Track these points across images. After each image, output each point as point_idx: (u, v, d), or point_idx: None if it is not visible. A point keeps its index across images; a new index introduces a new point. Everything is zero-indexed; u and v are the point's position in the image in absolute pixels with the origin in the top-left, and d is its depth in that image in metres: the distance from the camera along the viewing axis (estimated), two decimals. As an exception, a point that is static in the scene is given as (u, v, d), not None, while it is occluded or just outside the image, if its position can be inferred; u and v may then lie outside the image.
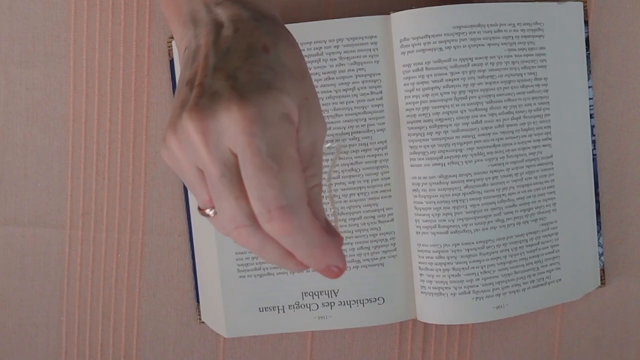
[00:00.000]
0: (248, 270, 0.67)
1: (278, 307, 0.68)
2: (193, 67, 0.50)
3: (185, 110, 0.47)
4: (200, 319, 0.69)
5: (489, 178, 0.64)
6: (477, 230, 0.65)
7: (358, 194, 0.66)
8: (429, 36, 0.63)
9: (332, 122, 0.65)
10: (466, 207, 0.64)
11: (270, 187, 0.46)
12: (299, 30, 0.59)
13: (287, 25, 0.54)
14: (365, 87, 0.65)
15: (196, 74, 0.49)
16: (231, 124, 0.46)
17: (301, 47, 0.57)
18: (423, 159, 0.64)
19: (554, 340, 0.70)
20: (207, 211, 0.50)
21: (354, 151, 0.66)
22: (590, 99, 0.67)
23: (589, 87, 0.67)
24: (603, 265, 0.69)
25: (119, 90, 0.68)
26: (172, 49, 0.67)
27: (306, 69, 0.52)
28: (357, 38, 0.65)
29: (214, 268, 0.67)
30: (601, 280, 0.69)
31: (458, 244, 0.65)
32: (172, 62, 0.67)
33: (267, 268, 0.67)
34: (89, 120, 0.68)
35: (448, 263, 0.65)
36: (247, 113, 0.46)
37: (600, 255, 0.68)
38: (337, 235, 0.49)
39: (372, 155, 0.66)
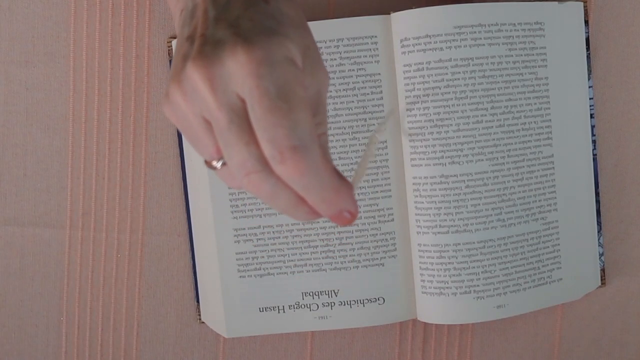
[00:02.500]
0: (248, 270, 0.67)
1: (278, 307, 0.68)
2: (192, 23, 0.50)
3: (189, 59, 0.47)
4: (200, 319, 0.69)
5: (490, 178, 0.64)
6: (478, 230, 0.65)
7: (358, 194, 0.66)
8: (430, 36, 0.63)
9: (333, 122, 0.65)
10: (467, 206, 0.64)
11: (281, 127, 0.45)
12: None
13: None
14: (365, 87, 0.65)
15: (196, 28, 0.49)
16: (238, 68, 0.46)
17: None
18: (424, 158, 0.64)
19: (554, 340, 0.70)
20: (214, 163, 0.49)
21: (354, 151, 0.66)
22: (590, 98, 0.67)
23: (589, 87, 0.67)
24: (603, 265, 0.69)
25: (118, 90, 0.68)
26: (172, 49, 0.67)
27: (305, 20, 0.51)
28: (357, 38, 0.65)
29: (214, 268, 0.67)
30: (601, 280, 0.69)
31: (459, 244, 0.65)
32: (171, 62, 0.67)
33: (267, 268, 0.67)
34: (88, 120, 0.68)
35: (449, 263, 0.65)
36: (253, 56, 0.46)
37: (601, 255, 0.68)
38: (347, 181, 0.48)
39: (372, 155, 0.66)
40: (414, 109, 0.63)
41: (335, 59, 0.65)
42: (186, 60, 0.47)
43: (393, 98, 0.65)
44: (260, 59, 0.46)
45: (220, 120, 0.47)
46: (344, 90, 0.65)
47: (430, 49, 0.63)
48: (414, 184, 0.65)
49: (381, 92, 0.65)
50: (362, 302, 0.67)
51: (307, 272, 0.67)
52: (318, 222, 0.66)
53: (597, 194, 0.68)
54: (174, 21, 0.55)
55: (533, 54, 0.65)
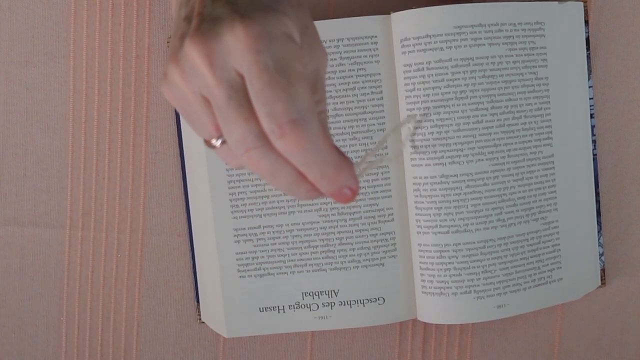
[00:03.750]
0: (248, 270, 0.67)
1: (278, 307, 0.68)
2: (189, 4, 0.49)
3: (187, 37, 0.47)
4: (200, 319, 0.69)
5: (490, 178, 0.64)
6: (478, 229, 0.65)
7: (358, 194, 0.66)
8: (430, 36, 0.63)
9: (333, 122, 0.65)
10: (467, 206, 0.64)
11: (280, 101, 0.45)
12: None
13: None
14: (365, 87, 0.65)
15: (193, 8, 0.49)
16: (236, 43, 0.46)
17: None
18: (424, 158, 0.64)
19: (554, 340, 0.70)
20: (213, 142, 0.49)
21: (354, 151, 0.66)
22: (590, 98, 0.67)
23: (589, 87, 0.67)
24: (603, 265, 0.69)
25: (119, 90, 0.68)
26: (172, 49, 0.67)
27: (304, 1, 0.51)
28: (358, 38, 0.65)
29: (214, 268, 0.67)
30: (601, 280, 0.69)
31: (459, 244, 0.65)
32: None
33: (267, 268, 0.67)
34: (88, 120, 0.68)
35: (449, 263, 0.65)
36: (251, 31, 0.46)
37: (601, 255, 0.68)
38: (347, 157, 0.48)
39: (372, 155, 0.66)
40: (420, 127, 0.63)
41: (335, 59, 0.65)
42: (184, 39, 0.47)
43: (393, 98, 0.65)
44: (258, 34, 0.46)
45: (219, 97, 0.46)
46: (344, 90, 0.65)
47: (430, 49, 0.63)
48: (414, 183, 0.65)
49: (381, 92, 0.65)
50: (362, 302, 0.67)
51: (307, 272, 0.67)
52: (318, 222, 0.66)
53: (597, 194, 0.68)
54: (171, 4, 0.54)
55: (533, 54, 0.65)
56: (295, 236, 0.67)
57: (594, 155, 0.68)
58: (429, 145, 0.64)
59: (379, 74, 0.65)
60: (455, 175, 0.64)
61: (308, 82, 0.47)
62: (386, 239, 0.67)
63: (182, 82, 0.48)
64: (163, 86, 0.49)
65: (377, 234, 0.67)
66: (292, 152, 0.46)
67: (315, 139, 0.46)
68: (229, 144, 0.48)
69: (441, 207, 0.64)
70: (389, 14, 0.65)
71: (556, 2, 0.65)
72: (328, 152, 0.47)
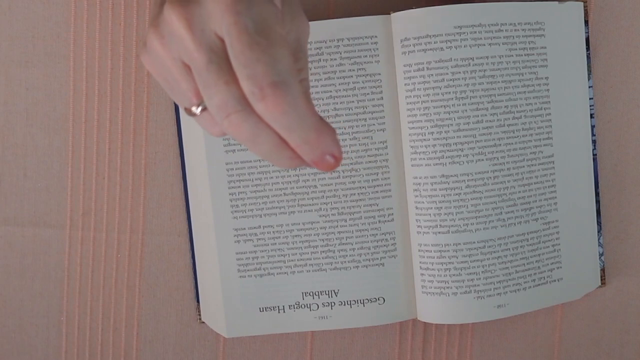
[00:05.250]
0: (248, 270, 0.67)
1: (278, 307, 0.68)
2: None
3: (167, 2, 0.46)
4: (200, 319, 0.69)
5: (490, 178, 0.64)
6: (478, 229, 0.65)
7: (358, 194, 0.66)
8: (430, 36, 0.63)
9: (333, 122, 0.65)
10: (467, 206, 0.64)
11: (260, 62, 0.45)
12: (300, 30, 0.59)
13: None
14: (365, 87, 0.65)
15: None
16: (215, 6, 0.45)
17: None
18: (424, 158, 0.64)
19: (554, 340, 0.70)
20: (194, 109, 0.49)
21: (354, 151, 0.66)
22: (590, 98, 0.67)
23: (589, 87, 0.67)
24: (603, 265, 0.69)
25: (119, 90, 0.68)
26: (172, 49, 0.67)
27: None
28: (358, 38, 0.65)
29: (214, 268, 0.67)
30: (601, 280, 0.69)
31: (459, 244, 0.65)
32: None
33: (267, 268, 0.67)
34: (88, 120, 0.68)
35: (449, 263, 0.65)
36: None
37: (601, 255, 0.68)
38: (330, 125, 0.47)
39: (373, 155, 0.66)
40: None
41: (335, 59, 0.65)
42: (163, 5, 0.47)
43: (393, 98, 0.65)
44: None
45: (199, 61, 0.46)
46: (344, 90, 0.65)
47: (430, 49, 0.63)
48: (414, 183, 0.65)
49: (381, 92, 0.65)
50: (362, 302, 0.67)
51: (307, 272, 0.67)
52: (318, 222, 0.66)
53: (597, 194, 0.68)
54: None
55: (533, 54, 0.65)
56: (295, 236, 0.67)
57: (594, 155, 0.68)
58: (429, 146, 0.64)
59: (379, 74, 0.65)
60: (455, 175, 0.64)
61: (289, 47, 0.47)
62: (386, 239, 0.67)
63: (161, 49, 0.47)
64: (142, 54, 0.48)
65: (377, 234, 0.67)
66: (273, 115, 0.45)
67: (296, 102, 0.45)
68: (210, 109, 0.47)
69: (441, 207, 0.64)
70: (389, 14, 0.65)
71: (556, 2, 0.65)
72: (309, 116, 0.46)
